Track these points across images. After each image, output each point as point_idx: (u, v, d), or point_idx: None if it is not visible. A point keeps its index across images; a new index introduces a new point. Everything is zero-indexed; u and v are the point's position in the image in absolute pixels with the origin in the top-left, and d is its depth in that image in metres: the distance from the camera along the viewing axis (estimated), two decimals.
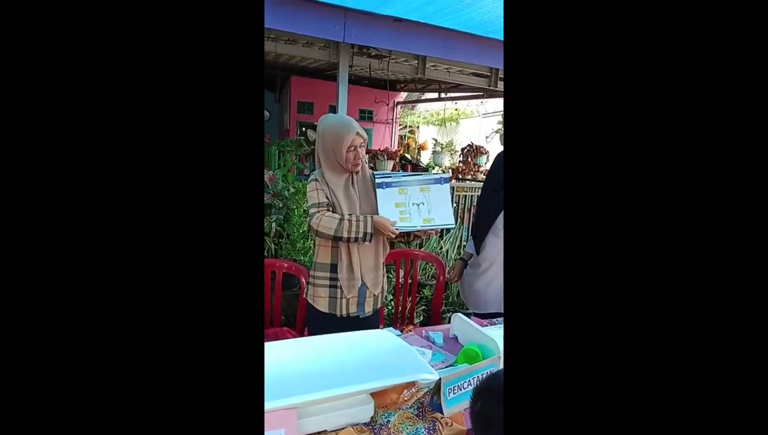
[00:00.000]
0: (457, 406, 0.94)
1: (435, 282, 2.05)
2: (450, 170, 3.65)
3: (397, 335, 1.29)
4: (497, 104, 5.53)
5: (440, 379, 0.92)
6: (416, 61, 2.90)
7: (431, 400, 0.96)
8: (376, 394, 0.90)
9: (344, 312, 1.34)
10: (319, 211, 1.27)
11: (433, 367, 1.12)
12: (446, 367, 1.12)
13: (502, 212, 1.57)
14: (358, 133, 1.29)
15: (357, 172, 1.35)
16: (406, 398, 0.95)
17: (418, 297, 2.55)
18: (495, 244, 1.61)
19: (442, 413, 0.92)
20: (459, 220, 3.18)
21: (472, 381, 0.98)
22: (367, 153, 4.28)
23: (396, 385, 0.91)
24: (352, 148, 1.29)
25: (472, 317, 1.52)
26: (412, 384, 0.95)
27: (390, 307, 2.27)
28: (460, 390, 0.96)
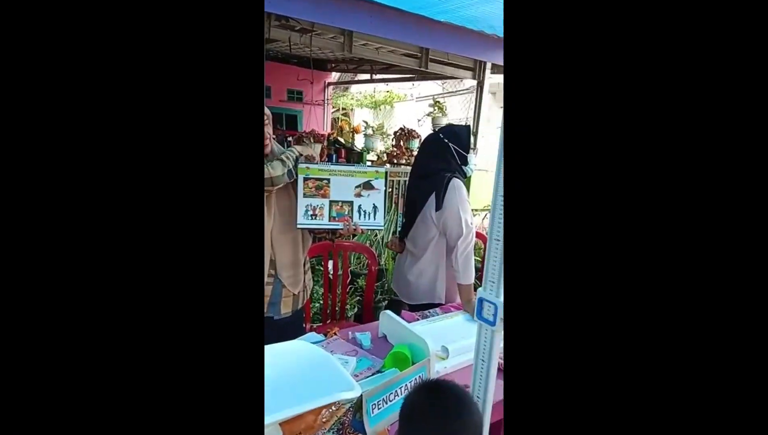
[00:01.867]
0: (381, 422, 0.83)
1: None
2: (384, 154, 3.54)
3: (319, 341, 1.16)
4: (429, 87, 5.51)
5: (362, 395, 0.81)
6: (342, 37, 2.71)
7: (353, 419, 0.84)
8: (287, 420, 0.77)
9: None
10: None
11: (358, 375, 1.01)
12: (373, 374, 1.02)
13: (430, 199, 1.49)
14: None
15: (266, 154, 1.17)
16: (324, 419, 0.82)
17: (352, 288, 2.44)
18: (425, 233, 1.53)
19: (365, 433, 0.81)
20: (393, 205, 3.10)
21: (399, 391, 0.89)
22: (293, 135, 4.02)
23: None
24: None
25: (402, 313, 1.44)
26: (332, 402, 0.82)
27: (319, 303, 2.13)
28: (386, 403, 0.85)
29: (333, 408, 0.83)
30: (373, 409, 0.83)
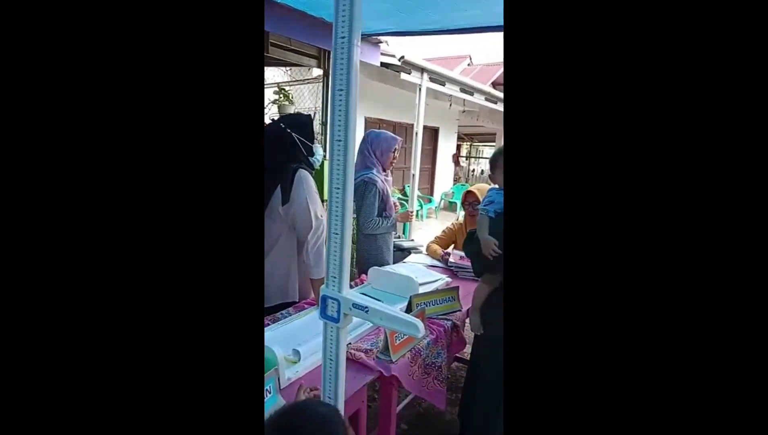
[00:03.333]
0: None
1: None
2: None
3: None
4: (276, 74, 5.24)
5: None
6: None
7: None
8: None
9: None
10: None
11: None
12: None
13: (276, 193, 1.40)
14: None
15: None
16: None
17: None
18: (273, 229, 1.43)
19: None
20: None
21: None
22: None
23: None
24: None
25: None
26: None
27: None
28: None
29: None
30: None
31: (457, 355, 1.79)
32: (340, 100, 0.66)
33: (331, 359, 0.78)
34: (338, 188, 0.71)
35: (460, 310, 1.48)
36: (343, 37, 0.63)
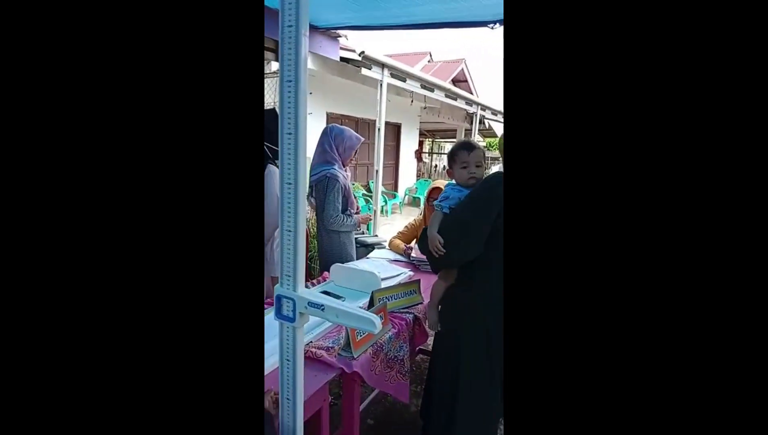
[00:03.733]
0: None
1: None
2: None
3: None
4: None
5: None
6: None
7: None
8: None
9: None
10: None
11: None
12: None
13: None
14: None
15: None
16: None
17: None
18: None
19: None
20: None
21: None
22: None
23: None
24: None
25: None
26: None
27: None
28: None
29: None
30: None
31: (421, 347, 1.81)
32: (289, 92, 0.63)
33: (288, 360, 0.76)
34: (290, 183, 0.68)
35: (421, 303, 1.49)
36: (290, 26, 0.61)
